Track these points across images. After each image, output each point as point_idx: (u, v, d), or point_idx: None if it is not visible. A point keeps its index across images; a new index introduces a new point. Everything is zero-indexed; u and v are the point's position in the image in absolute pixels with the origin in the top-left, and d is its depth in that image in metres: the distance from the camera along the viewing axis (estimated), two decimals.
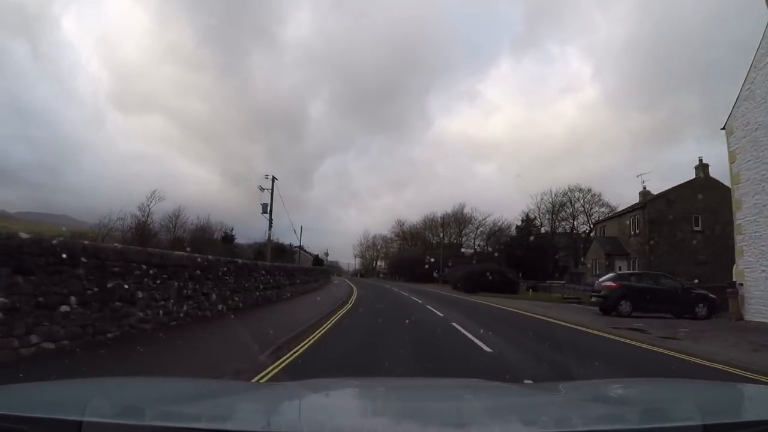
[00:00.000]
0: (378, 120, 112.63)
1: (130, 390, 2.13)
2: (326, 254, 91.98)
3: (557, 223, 62.81)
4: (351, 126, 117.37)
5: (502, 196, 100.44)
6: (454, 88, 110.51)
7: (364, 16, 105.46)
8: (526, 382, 5.54)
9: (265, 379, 6.01)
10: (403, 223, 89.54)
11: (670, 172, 79.21)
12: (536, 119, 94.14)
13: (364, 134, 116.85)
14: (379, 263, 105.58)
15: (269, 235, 41.10)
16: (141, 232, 49.42)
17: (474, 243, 74.40)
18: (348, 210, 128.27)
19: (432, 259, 57.50)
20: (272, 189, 39.55)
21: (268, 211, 39.37)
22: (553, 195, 62.06)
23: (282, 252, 60.16)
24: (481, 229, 74.05)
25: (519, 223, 61.50)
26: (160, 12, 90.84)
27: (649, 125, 77.24)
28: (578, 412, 1.96)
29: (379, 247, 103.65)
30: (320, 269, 43.96)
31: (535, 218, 61.39)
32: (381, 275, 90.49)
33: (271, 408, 2.01)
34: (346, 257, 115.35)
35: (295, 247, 64.12)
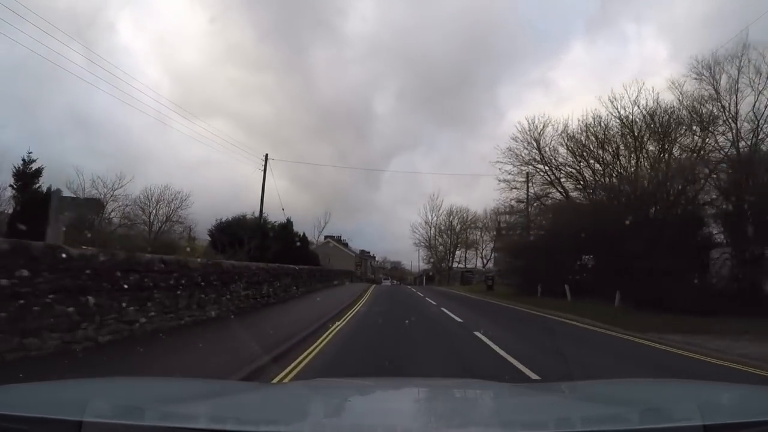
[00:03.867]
0: (447, 114, 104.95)
1: (130, 390, 2.14)
2: (341, 240, 69.16)
3: None
4: (419, 122, 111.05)
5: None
6: (525, 76, 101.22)
7: (429, 3, 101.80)
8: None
9: None
10: (541, 131, 31.07)
11: None
12: (610, 106, 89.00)
13: (433, 130, 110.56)
14: (457, 254, 64.98)
15: None
16: None
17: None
18: (417, 210, 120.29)
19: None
20: None
21: None
22: None
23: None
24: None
25: None
26: (217, 10, 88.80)
27: None
28: (578, 412, 1.96)
29: (458, 229, 63.56)
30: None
31: None
32: (489, 283, 38.93)
33: (272, 408, 2.01)
34: (410, 256, 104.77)
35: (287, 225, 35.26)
